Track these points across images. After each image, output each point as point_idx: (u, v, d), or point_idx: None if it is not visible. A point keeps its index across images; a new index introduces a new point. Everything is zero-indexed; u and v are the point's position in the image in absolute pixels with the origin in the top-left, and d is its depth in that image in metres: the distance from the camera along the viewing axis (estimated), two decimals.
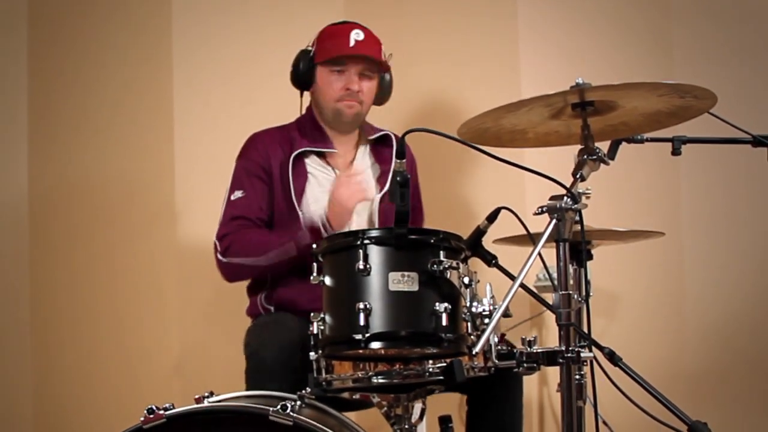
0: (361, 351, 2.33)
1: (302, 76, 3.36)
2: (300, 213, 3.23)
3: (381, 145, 3.47)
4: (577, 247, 2.84)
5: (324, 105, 3.35)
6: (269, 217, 3.30)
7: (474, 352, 2.29)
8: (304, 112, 3.47)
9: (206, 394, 2.50)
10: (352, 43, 3.29)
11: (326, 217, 3.14)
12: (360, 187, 3.18)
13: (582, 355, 2.31)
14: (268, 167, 3.30)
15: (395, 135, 3.45)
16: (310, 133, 3.39)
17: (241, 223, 3.24)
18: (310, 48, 3.37)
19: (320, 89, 3.35)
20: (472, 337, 2.36)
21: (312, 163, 3.35)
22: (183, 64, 4.29)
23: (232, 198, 3.28)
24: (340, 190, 3.14)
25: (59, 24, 4.47)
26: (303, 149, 3.32)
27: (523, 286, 2.32)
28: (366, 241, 2.31)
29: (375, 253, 2.30)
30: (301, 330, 2.66)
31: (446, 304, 2.28)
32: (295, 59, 3.38)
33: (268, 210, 3.30)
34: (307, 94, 3.45)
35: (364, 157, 3.47)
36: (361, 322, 2.25)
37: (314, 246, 2.50)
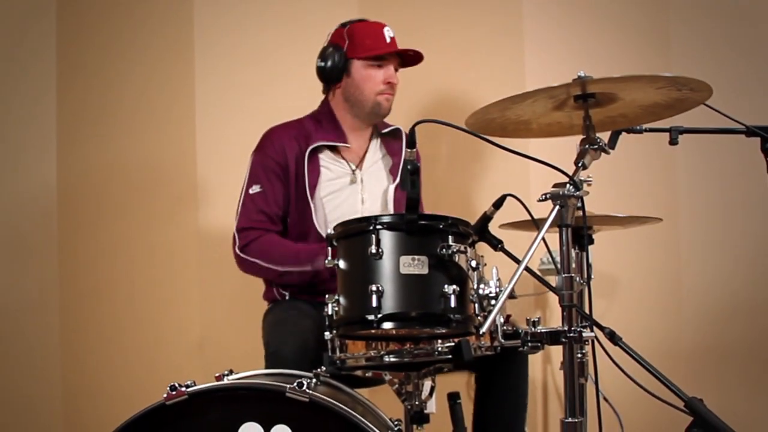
0: (373, 331, 2.33)
1: (333, 70, 3.35)
2: (316, 225, 3.26)
3: (391, 138, 3.49)
4: (579, 232, 2.85)
5: (361, 98, 3.35)
6: (284, 212, 3.32)
7: (481, 332, 2.31)
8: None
9: (226, 372, 2.51)
10: (388, 39, 3.34)
11: None
12: None
13: (584, 334, 2.31)
14: (284, 163, 3.30)
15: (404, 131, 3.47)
16: (325, 127, 3.40)
17: (261, 219, 3.26)
18: (335, 44, 3.36)
19: (357, 83, 3.35)
20: (479, 317, 2.37)
21: (325, 157, 3.36)
22: (204, 56, 4.29)
23: (251, 192, 3.29)
24: None
25: (86, 18, 4.48)
26: (318, 144, 3.33)
27: (527, 269, 2.32)
28: (378, 227, 2.31)
29: (387, 237, 2.30)
30: (316, 322, 2.67)
31: (455, 287, 2.28)
32: (324, 54, 3.37)
33: (284, 205, 3.31)
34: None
35: (375, 150, 3.48)
36: (374, 304, 2.25)
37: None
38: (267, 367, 2.90)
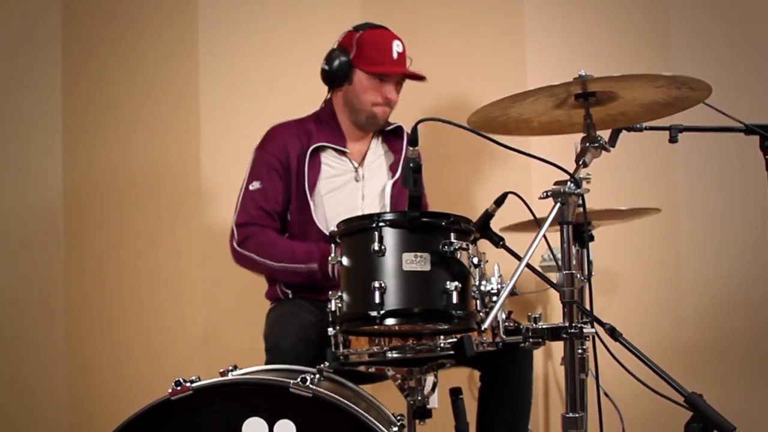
0: (376, 327, 2.33)
1: (336, 74, 3.33)
2: (314, 219, 3.27)
3: (392, 135, 3.49)
4: (579, 229, 2.85)
5: (359, 106, 3.35)
6: (284, 209, 3.32)
7: (483, 328, 2.32)
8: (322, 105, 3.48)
9: (230, 368, 2.52)
10: (395, 55, 3.31)
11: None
12: None
13: (584, 330, 2.31)
14: (286, 160, 3.31)
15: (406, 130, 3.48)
16: (327, 128, 3.40)
17: (259, 215, 3.27)
18: (342, 48, 3.34)
19: (357, 92, 3.33)
20: (481, 314, 2.37)
21: (328, 155, 3.37)
22: (208, 57, 4.29)
23: (251, 188, 3.30)
24: None
25: (90, 20, 4.47)
26: (319, 144, 3.33)
27: (529, 265, 2.32)
28: (381, 224, 2.31)
29: (389, 235, 2.30)
30: (318, 318, 2.67)
31: (456, 283, 2.28)
32: (330, 57, 3.34)
33: (283, 203, 3.31)
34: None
35: (377, 148, 3.49)
36: (377, 300, 2.25)
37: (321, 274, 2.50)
38: (267, 363, 2.91)
